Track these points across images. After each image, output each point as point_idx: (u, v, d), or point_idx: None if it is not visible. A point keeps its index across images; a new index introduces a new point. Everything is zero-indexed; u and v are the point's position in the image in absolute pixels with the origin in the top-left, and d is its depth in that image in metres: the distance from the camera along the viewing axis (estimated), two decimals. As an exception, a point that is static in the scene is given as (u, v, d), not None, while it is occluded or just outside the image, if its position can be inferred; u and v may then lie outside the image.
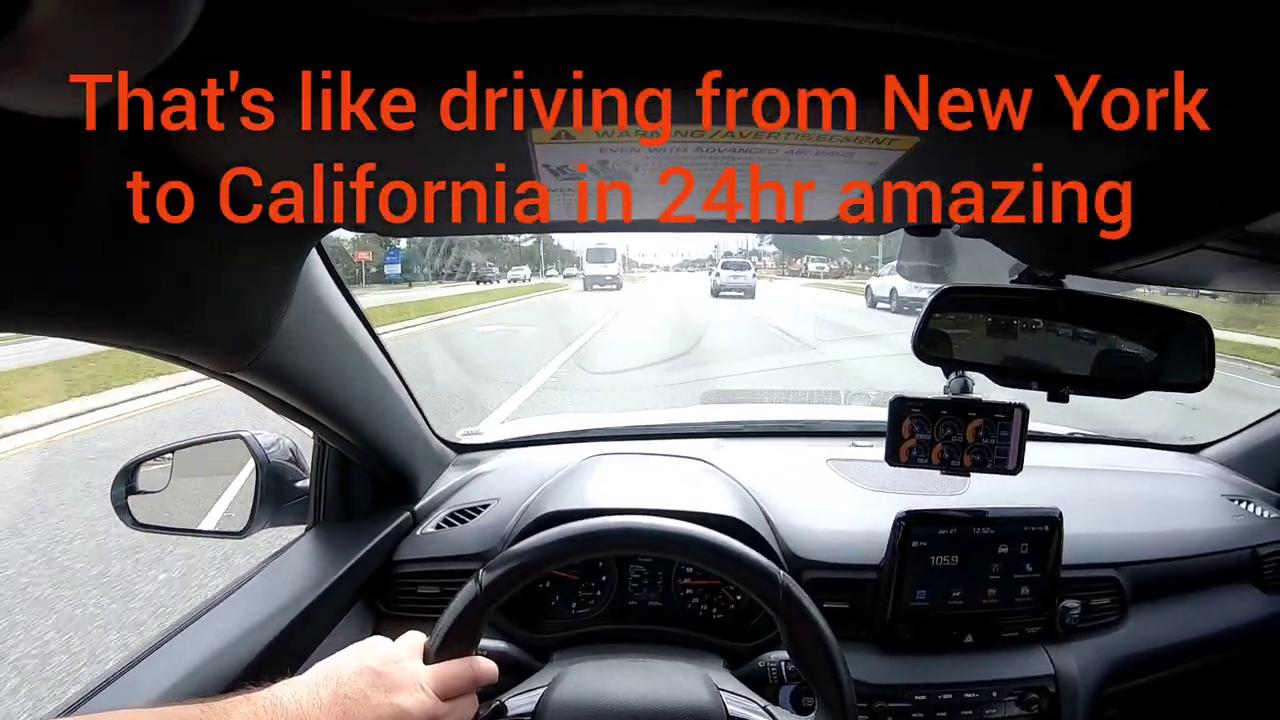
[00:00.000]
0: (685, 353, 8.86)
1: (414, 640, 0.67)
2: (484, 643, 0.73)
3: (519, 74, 0.36)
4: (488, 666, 0.68)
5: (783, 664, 0.86)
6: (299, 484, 1.05)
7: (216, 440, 1.07)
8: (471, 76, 0.36)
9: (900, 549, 0.96)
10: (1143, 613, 1.11)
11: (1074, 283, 0.77)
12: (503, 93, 0.37)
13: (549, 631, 0.99)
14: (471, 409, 5.43)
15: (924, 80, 0.38)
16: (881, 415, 1.58)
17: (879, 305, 15.62)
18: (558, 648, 0.95)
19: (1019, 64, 0.36)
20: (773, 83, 0.37)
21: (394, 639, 0.67)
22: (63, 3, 0.22)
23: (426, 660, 0.66)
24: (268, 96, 0.36)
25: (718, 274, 22.18)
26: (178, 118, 0.38)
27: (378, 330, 0.96)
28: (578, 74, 0.36)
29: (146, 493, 1.05)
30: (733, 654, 0.95)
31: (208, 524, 1.08)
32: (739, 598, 1.03)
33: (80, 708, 0.64)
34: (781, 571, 0.71)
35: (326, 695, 0.56)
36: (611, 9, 0.30)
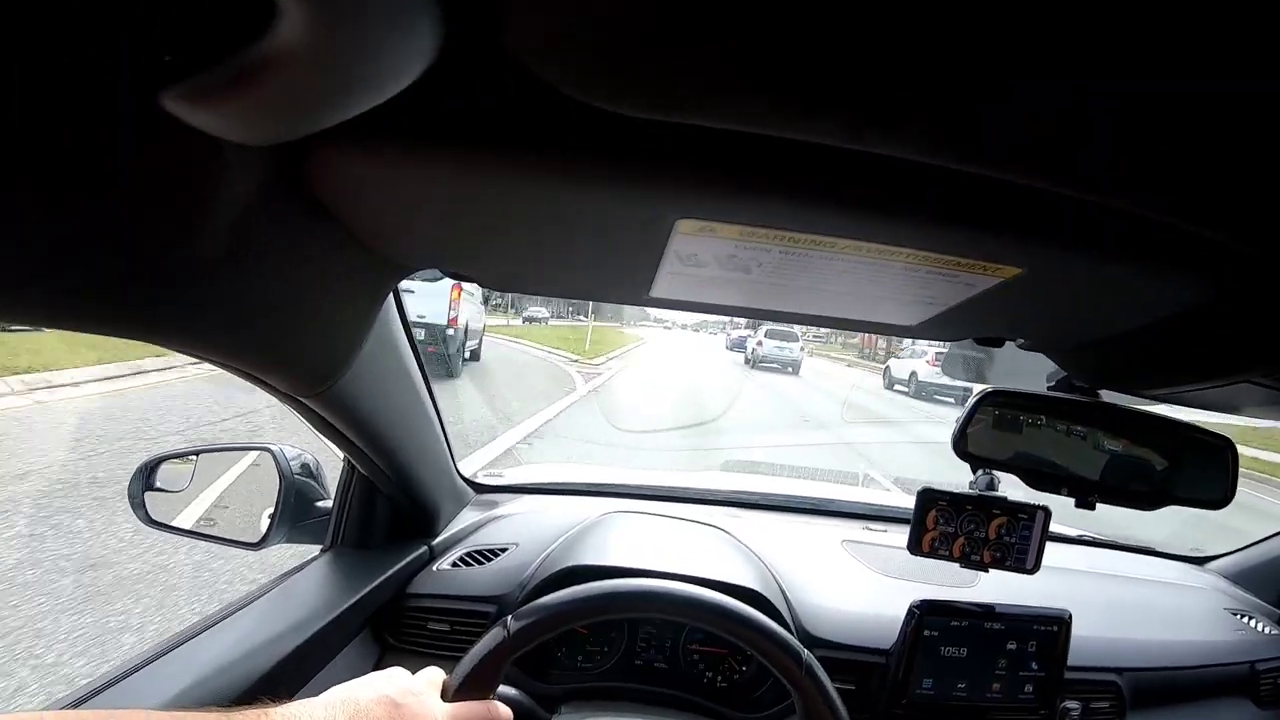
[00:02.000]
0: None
1: (433, 676, 0.67)
2: (499, 689, 0.73)
3: (680, 168, 0.38)
4: (505, 713, 0.68)
5: None
6: (320, 504, 1.05)
7: (244, 449, 1.07)
8: (634, 162, 0.37)
9: (912, 636, 0.96)
10: (1141, 718, 1.11)
11: (1106, 394, 0.80)
12: (665, 184, 0.39)
13: (554, 682, 0.98)
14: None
15: (1035, 220, 0.41)
16: (895, 500, 1.61)
17: (896, 387, 15.58)
18: (563, 699, 0.95)
19: (1118, 209, 0.39)
20: (906, 209, 0.40)
21: (412, 672, 0.66)
22: (307, 33, 0.22)
23: (444, 697, 0.66)
24: (424, 147, 0.38)
25: (760, 343, 19.00)
26: (328, 148, 0.38)
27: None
28: (734, 177, 0.38)
29: (165, 491, 1.05)
30: None
31: (219, 530, 1.08)
32: (744, 668, 1.03)
33: (88, 702, 0.64)
34: (806, 650, 0.72)
35: None
36: (805, 135, 0.31)
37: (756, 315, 0.72)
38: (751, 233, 0.44)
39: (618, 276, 0.60)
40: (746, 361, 19.87)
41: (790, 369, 18.46)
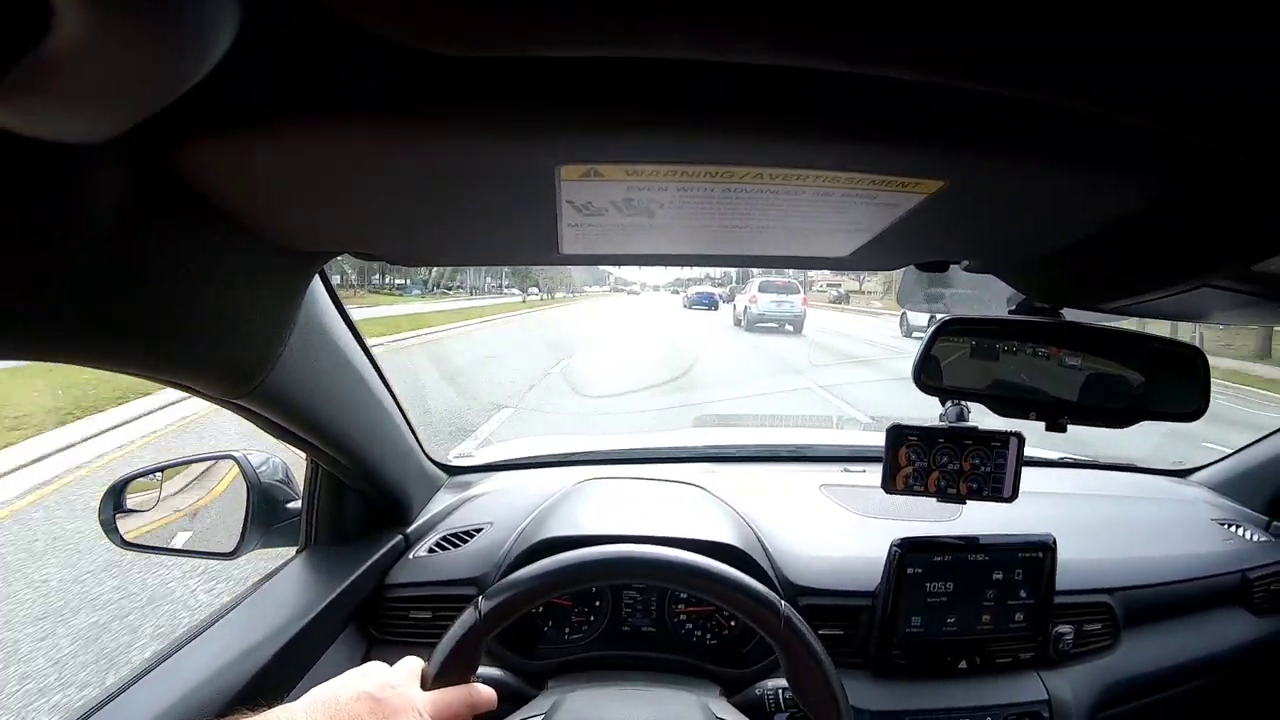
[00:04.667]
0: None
1: (411, 665, 0.67)
2: (480, 670, 0.72)
3: (551, 112, 0.35)
4: (486, 694, 0.68)
5: (780, 692, 0.85)
6: (290, 505, 1.04)
7: (208, 459, 1.06)
8: (502, 112, 0.35)
9: (895, 576, 0.96)
10: (1135, 637, 1.12)
11: (1070, 313, 0.78)
12: (533, 130, 0.37)
13: (543, 658, 0.98)
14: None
15: (955, 128, 0.38)
16: (874, 440, 1.60)
17: (915, 335, 13.36)
18: (552, 674, 0.95)
19: (1049, 110, 0.36)
20: (806, 127, 0.37)
21: (390, 664, 0.66)
22: (87, 29, 0.22)
23: (424, 686, 0.65)
24: (285, 124, 0.36)
25: (754, 299, 15.84)
26: (186, 140, 0.37)
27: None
28: (611, 114, 0.36)
29: (135, 512, 1.04)
30: (728, 681, 0.94)
31: (196, 544, 1.06)
32: (733, 624, 1.02)
33: None
34: (783, 602, 0.71)
35: None
36: (650, 51, 0.29)
37: (677, 262, 0.70)
38: (639, 171, 0.41)
39: (521, 236, 0.58)
40: (737, 323, 17.12)
41: (791, 327, 15.79)
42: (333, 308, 0.81)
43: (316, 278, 0.75)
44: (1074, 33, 0.27)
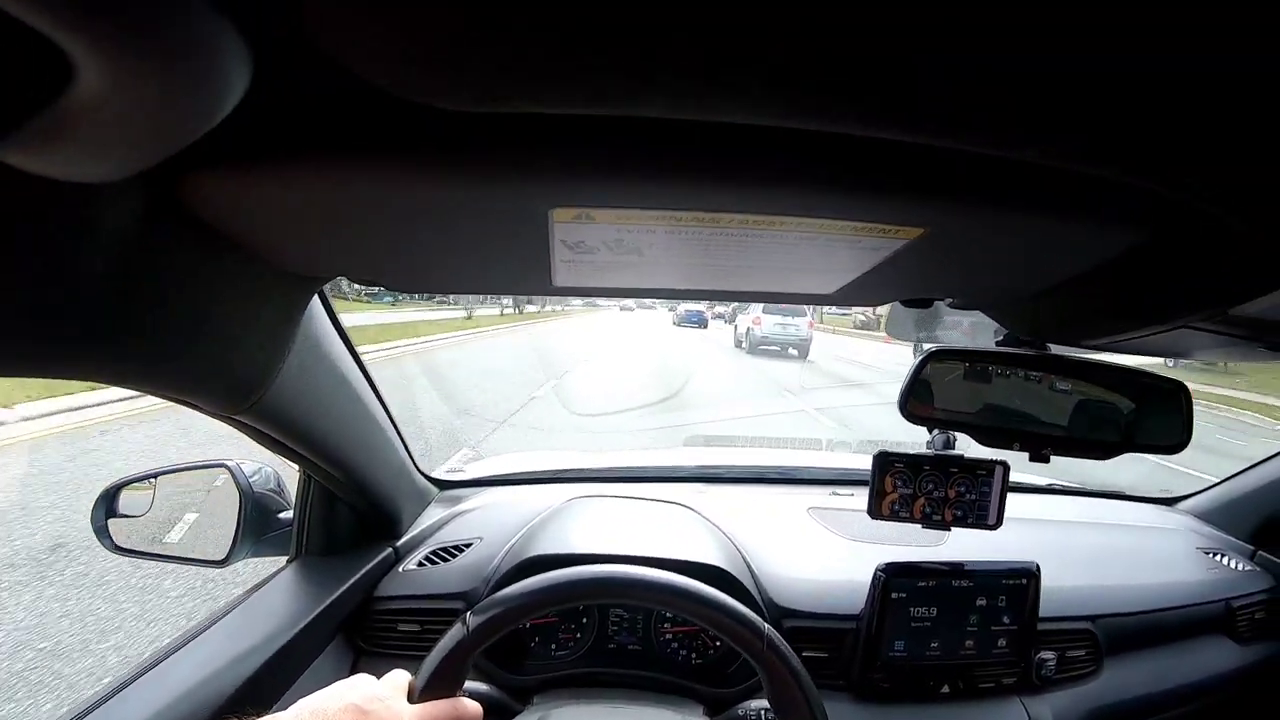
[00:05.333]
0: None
1: (398, 679, 0.67)
2: (467, 684, 0.73)
3: (544, 160, 0.37)
4: (472, 708, 0.68)
5: (763, 712, 0.86)
6: (282, 515, 1.05)
7: (201, 468, 1.06)
8: (498, 158, 0.37)
9: (880, 600, 0.97)
10: (1118, 664, 1.12)
11: (1056, 346, 0.79)
12: (528, 175, 0.38)
13: (528, 673, 0.98)
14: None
15: (934, 180, 0.39)
16: (862, 464, 1.60)
17: None
18: (537, 690, 0.95)
19: (1023, 163, 0.37)
20: (790, 178, 0.39)
21: (377, 676, 0.66)
22: (107, 80, 0.23)
23: (411, 699, 0.66)
24: (289, 162, 0.37)
25: (757, 320, 14.91)
26: (193, 173, 0.38)
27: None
28: (602, 163, 0.37)
29: (127, 517, 1.04)
30: (712, 700, 0.95)
31: (188, 551, 1.07)
32: (718, 644, 1.03)
33: None
34: (766, 625, 0.72)
35: None
36: (642, 111, 0.30)
37: (667, 296, 0.71)
38: (629, 216, 0.43)
39: (517, 269, 0.59)
40: (738, 344, 16.29)
41: (795, 351, 14.94)
42: (330, 325, 0.82)
43: (317, 296, 0.76)
44: (1039, 91, 0.28)
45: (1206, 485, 1.53)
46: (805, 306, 14.28)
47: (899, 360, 15.88)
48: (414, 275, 0.64)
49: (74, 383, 0.51)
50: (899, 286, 0.66)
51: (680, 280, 0.61)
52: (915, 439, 0.99)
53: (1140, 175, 0.36)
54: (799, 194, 0.40)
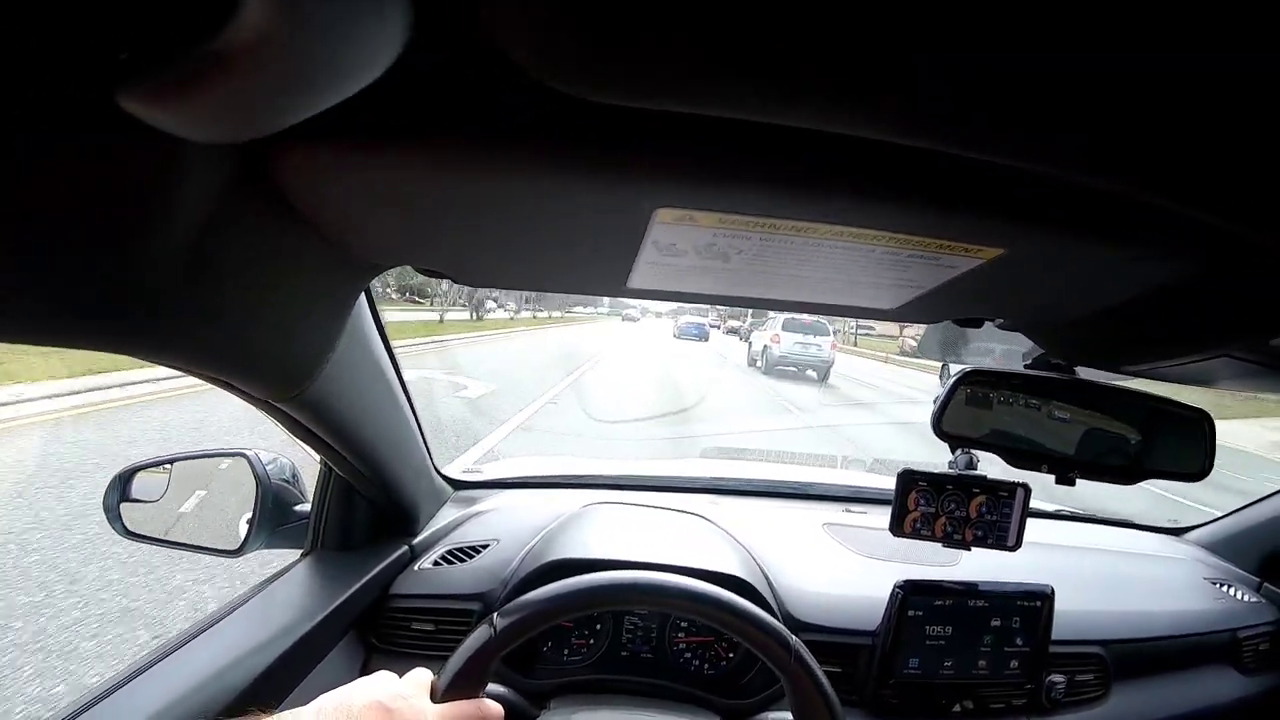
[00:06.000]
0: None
1: (421, 677, 0.66)
2: (488, 686, 0.73)
3: (660, 158, 0.37)
4: (495, 710, 0.68)
5: None
6: (297, 507, 1.04)
7: (219, 456, 1.06)
8: (614, 153, 0.37)
9: (897, 617, 0.97)
10: (1125, 690, 1.13)
11: (1083, 370, 0.80)
12: (641, 173, 0.38)
13: (541, 677, 0.98)
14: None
15: (1018, 200, 0.40)
16: (876, 481, 1.61)
17: None
18: (550, 694, 0.95)
19: (1098, 191, 0.38)
20: (894, 192, 0.39)
21: (400, 675, 0.66)
22: (273, 19, 0.21)
23: (434, 698, 0.65)
24: (398, 142, 0.37)
25: (776, 338, 13.72)
26: (292, 144, 0.37)
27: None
28: (716, 165, 0.37)
29: (140, 501, 1.03)
30: (725, 711, 0.95)
31: (201, 540, 1.06)
32: (731, 655, 1.03)
33: None
34: (794, 637, 0.72)
35: None
36: (777, 119, 0.30)
37: (734, 303, 0.71)
38: (731, 220, 0.43)
39: (595, 269, 0.59)
40: (753, 364, 15.24)
41: (814, 374, 13.82)
42: (372, 319, 0.81)
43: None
44: (1106, 120, 0.29)
45: (1213, 517, 1.54)
46: (828, 325, 13.91)
47: (897, 379, 16.04)
48: (486, 269, 0.64)
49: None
50: (958, 305, 0.66)
51: (748, 288, 0.62)
52: (916, 459, 0.99)
53: (1192, 205, 0.37)
54: (898, 209, 0.41)
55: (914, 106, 0.29)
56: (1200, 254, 0.47)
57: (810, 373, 13.91)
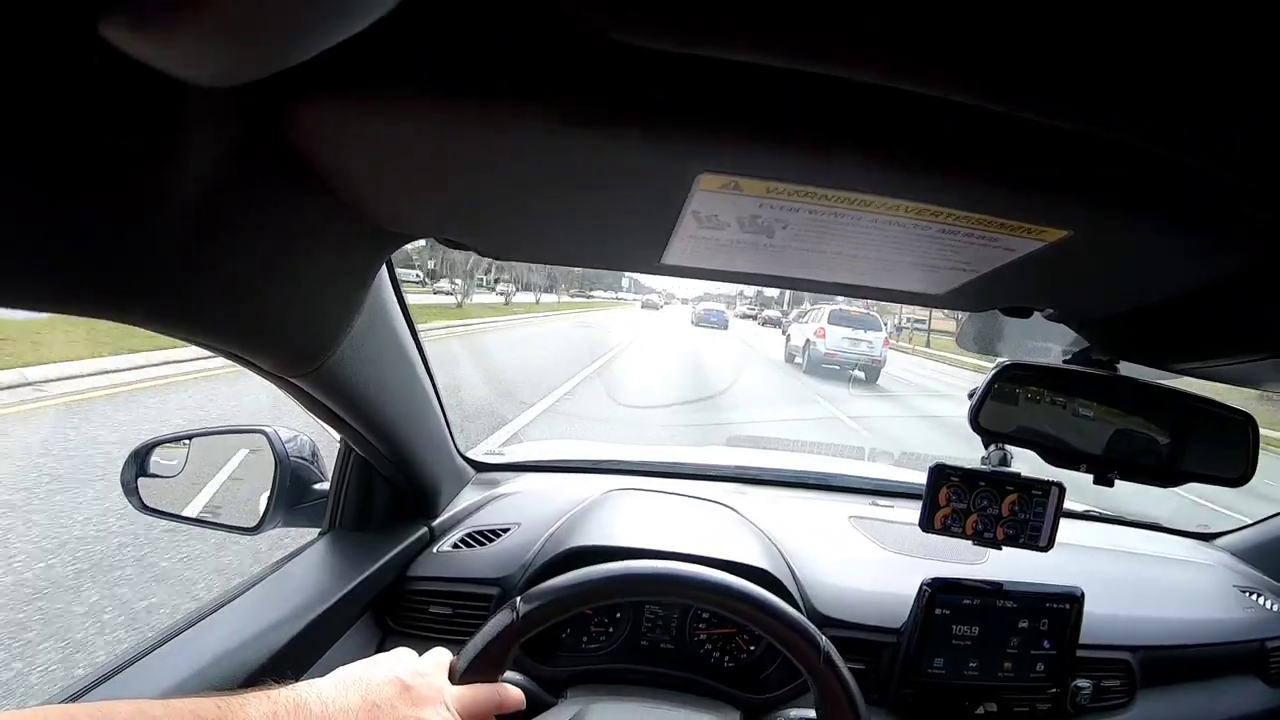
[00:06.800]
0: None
1: (440, 657, 0.66)
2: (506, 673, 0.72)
3: (704, 116, 0.34)
4: (514, 694, 0.68)
5: None
6: (316, 486, 1.03)
7: (238, 432, 1.05)
8: (656, 109, 0.34)
9: (924, 616, 0.95)
10: (1151, 697, 1.10)
11: (1124, 367, 0.78)
12: (684, 132, 0.35)
13: (559, 665, 0.97)
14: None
15: (1086, 178, 0.38)
16: (903, 475, 1.58)
17: None
18: (568, 682, 0.93)
19: (1169, 168, 0.36)
20: (953, 162, 0.37)
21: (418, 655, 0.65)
22: None
23: (452, 679, 0.65)
24: (416, 96, 0.34)
25: (821, 332, 12.25)
26: (302, 99, 0.35)
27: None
28: (763, 127, 0.35)
29: (158, 477, 1.03)
30: (746, 705, 0.93)
31: (218, 516, 1.05)
32: (751, 648, 1.01)
33: (83, 697, 0.62)
34: (823, 636, 0.70)
35: (355, 701, 0.55)
36: (832, 69, 0.29)
37: (774, 284, 0.69)
38: (779, 189, 0.41)
39: (629, 241, 0.57)
40: (790, 360, 13.81)
41: (862, 374, 12.37)
42: (393, 293, 0.80)
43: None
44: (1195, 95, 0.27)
45: (1244, 524, 1.51)
46: (879, 319, 12.63)
47: (918, 370, 15.50)
48: (513, 240, 0.62)
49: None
50: (1009, 293, 0.64)
51: (790, 268, 0.59)
52: (945, 454, 0.97)
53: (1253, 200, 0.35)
54: (959, 182, 0.39)
55: (1000, 60, 0.27)
56: (1262, 247, 0.45)
57: (858, 373, 12.47)
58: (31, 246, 0.33)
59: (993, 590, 0.97)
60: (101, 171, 0.32)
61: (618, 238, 0.57)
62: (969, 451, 1.01)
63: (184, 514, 1.04)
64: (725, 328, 25.86)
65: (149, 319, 0.45)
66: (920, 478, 0.92)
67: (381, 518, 1.03)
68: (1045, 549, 0.91)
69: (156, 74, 0.25)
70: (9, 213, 0.31)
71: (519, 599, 0.69)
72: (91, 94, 0.29)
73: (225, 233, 0.43)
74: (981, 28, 0.25)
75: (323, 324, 0.62)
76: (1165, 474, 0.80)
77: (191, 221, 0.39)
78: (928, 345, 28.12)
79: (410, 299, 0.87)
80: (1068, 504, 1.48)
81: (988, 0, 0.23)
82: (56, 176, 0.31)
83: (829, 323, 12.37)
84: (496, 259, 0.66)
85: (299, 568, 0.91)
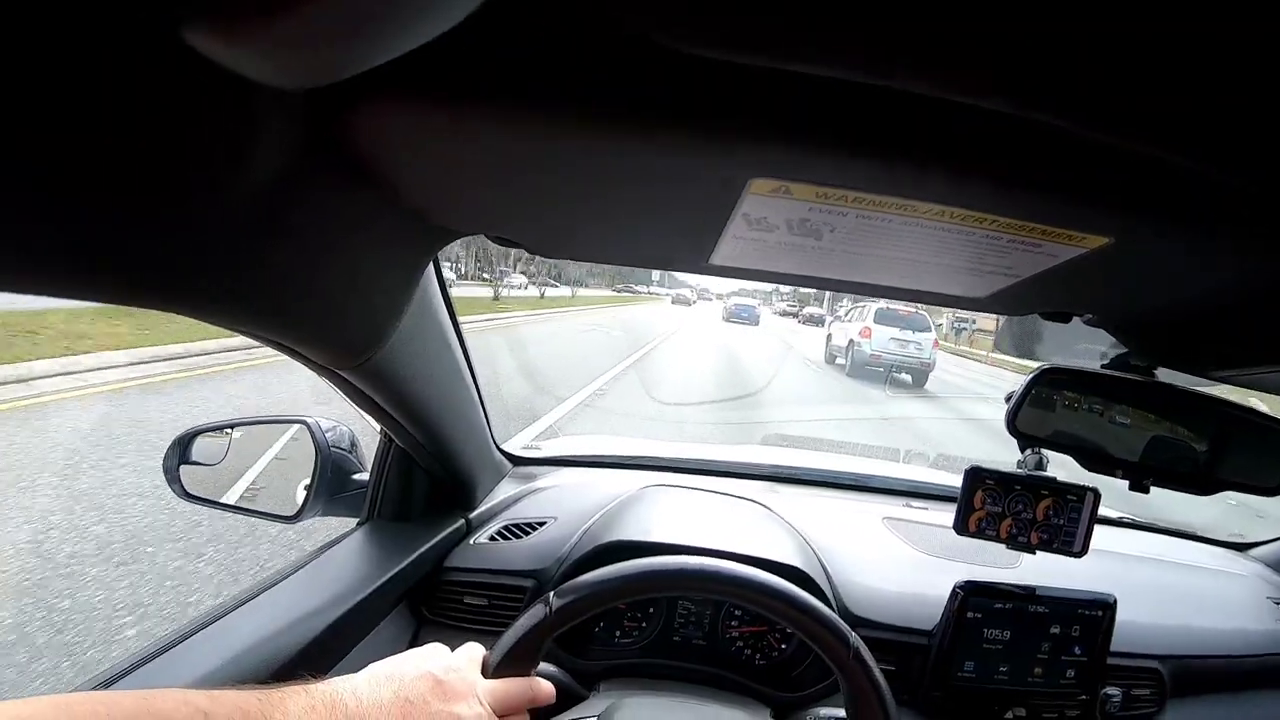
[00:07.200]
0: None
1: (473, 652, 0.67)
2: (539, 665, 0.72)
3: (756, 123, 0.35)
4: (546, 688, 0.68)
5: None
6: (355, 476, 1.05)
7: (279, 422, 1.07)
8: (710, 117, 0.35)
9: (956, 618, 0.95)
10: (1180, 708, 1.09)
11: (1162, 373, 0.77)
12: (736, 139, 0.36)
13: (592, 658, 0.98)
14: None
15: (1127, 186, 0.39)
16: (938, 477, 1.58)
17: None
18: (600, 676, 0.95)
19: (1207, 178, 0.37)
20: (1002, 172, 0.38)
21: (451, 648, 0.66)
22: None
23: (484, 674, 0.65)
24: (476, 102, 0.35)
25: (866, 332, 11.55)
26: (365, 102, 0.36)
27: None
28: (815, 134, 0.36)
29: (200, 464, 1.05)
30: (777, 703, 0.94)
31: (258, 504, 1.07)
32: (784, 646, 1.02)
33: (119, 681, 0.63)
34: (854, 634, 0.71)
35: (388, 696, 0.55)
36: (879, 79, 0.29)
37: (819, 285, 0.69)
38: (829, 194, 0.41)
39: (678, 242, 0.57)
40: (831, 360, 13.16)
41: (909, 377, 11.68)
42: (438, 287, 0.81)
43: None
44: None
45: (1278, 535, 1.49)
46: (928, 318, 12.03)
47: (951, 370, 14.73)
48: (563, 239, 0.63)
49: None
50: (1050, 297, 0.64)
51: (839, 270, 0.60)
52: (976, 457, 0.97)
53: None
54: (1007, 190, 0.39)
55: (1047, 73, 0.27)
56: None
57: (905, 376, 11.71)
58: (102, 243, 0.34)
59: (1025, 595, 0.97)
60: (170, 170, 0.34)
61: (667, 239, 0.57)
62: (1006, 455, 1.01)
63: (224, 501, 1.06)
64: (756, 323, 26.21)
65: (202, 310, 0.46)
66: (955, 480, 0.92)
67: (420, 509, 1.05)
68: (1079, 554, 0.91)
69: (232, 76, 0.27)
70: (81, 210, 0.32)
71: (553, 594, 0.69)
72: (168, 95, 0.30)
73: (284, 227, 0.44)
74: (1033, 41, 0.25)
75: (373, 318, 0.63)
76: (1201, 482, 0.80)
77: (249, 217, 0.40)
78: (970, 345, 27.10)
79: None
80: (1103, 510, 1.49)
81: (1036, 13, 0.24)
82: (126, 175, 0.32)
83: (875, 322, 11.57)
84: (546, 256, 0.67)
85: (338, 556, 0.93)
